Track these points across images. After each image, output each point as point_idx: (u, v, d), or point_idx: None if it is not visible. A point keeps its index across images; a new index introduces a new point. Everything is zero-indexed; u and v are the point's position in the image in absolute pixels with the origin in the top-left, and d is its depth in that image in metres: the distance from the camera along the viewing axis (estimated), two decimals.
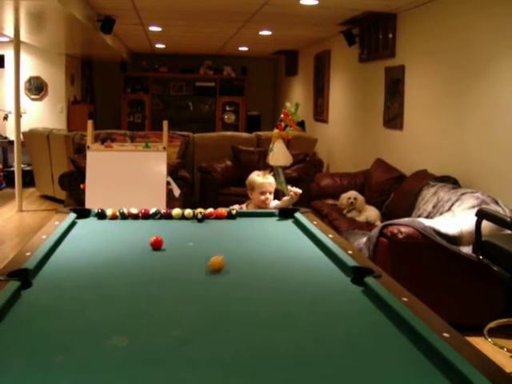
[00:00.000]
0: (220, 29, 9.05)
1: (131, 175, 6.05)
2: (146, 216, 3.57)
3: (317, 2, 6.33)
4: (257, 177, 4.34)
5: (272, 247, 3.05)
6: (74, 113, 11.62)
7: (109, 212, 3.54)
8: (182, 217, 3.58)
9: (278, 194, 6.87)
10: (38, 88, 11.36)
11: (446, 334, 1.80)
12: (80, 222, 3.44)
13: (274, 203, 4.31)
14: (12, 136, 9.93)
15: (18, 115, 8.73)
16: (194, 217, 3.57)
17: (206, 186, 8.16)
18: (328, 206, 6.61)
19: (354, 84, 8.52)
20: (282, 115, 6.49)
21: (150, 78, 14.01)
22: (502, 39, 4.77)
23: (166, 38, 10.54)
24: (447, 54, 5.69)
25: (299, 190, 4.13)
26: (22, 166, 9.16)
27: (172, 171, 7.06)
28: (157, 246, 2.89)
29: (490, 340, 4.03)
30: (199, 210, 3.60)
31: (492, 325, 4.14)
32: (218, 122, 14.18)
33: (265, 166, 7.16)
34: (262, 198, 4.25)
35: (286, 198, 4.20)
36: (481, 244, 3.98)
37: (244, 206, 4.35)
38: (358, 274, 2.41)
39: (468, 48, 5.29)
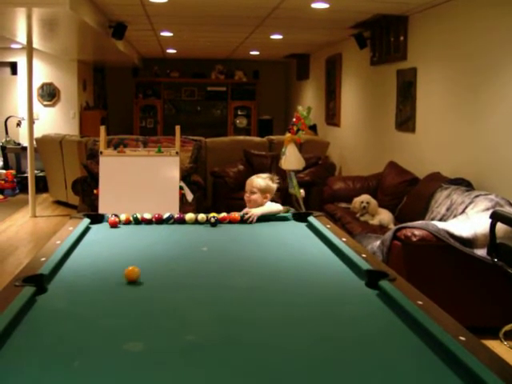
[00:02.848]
0: (231, 33, 9.07)
1: (144, 180, 6.06)
2: (159, 221, 3.58)
3: (328, 6, 6.33)
4: (253, 176, 4.26)
5: (286, 251, 3.05)
6: (86, 118, 11.67)
7: (122, 217, 3.55)
8: (196, 221, 3.58)
9: (290, 197, 6.88)
10: (50, 94, 11.42)
11: (461, 338, 1.79)
12: (94, 227, 3.46)
13: (258, 210, 3.89)
14: (25, 142, 9.99)
15: (31, 121, 8.77)
16: (208, 221, 3.57)
17: (218, 190, 8.16)
18: (341, 209, 6.60)
19: (366, 87, 8.51)
20: (294, 119, 6.52)
21: (161, 84, 14.04)
22: None
23: (177, 43, 10.57)
24: (459, 56, 5.67)
25: (254, 215, 3.75)
26: (36, 171, 9.21)
27: (185, 176, 7.07)
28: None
29: (505, 343, 4.00)
30: (212, 214, 3.60)
31: (508, 328, 4.11)
32: (230, 126, 14.19)
33: (277, 170, 7.20)
34: (244, 196, 4.17)
35: (266, 209, 3.87)
36: (495, 246, 3.95)
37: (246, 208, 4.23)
38: (372, 278, 2.40)
39: (480, 49, 5.27)
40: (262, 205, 4.04)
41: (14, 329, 1.87)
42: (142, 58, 13.25)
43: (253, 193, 4.08)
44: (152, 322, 2.02)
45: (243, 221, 3.65)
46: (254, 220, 3.68)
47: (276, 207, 3.89)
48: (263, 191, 4.08)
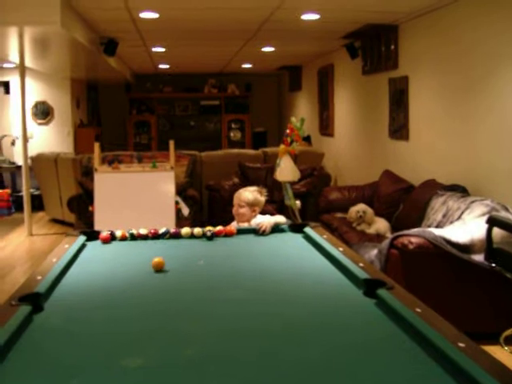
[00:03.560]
0: (223, 47, 9.10)
1: (139, 196, 6.06)
2: (155, 236, 3.57)
3: (318, 17, 6.36)
4: (240, 189, 4.25)
5: (283, 262, 3.04)
6: (80, 136, 11.66)
7: (118, 233, 3.54)
8: (192, 235, 3.58)
9: (286, 209, 6.88)
10: (44, 112, 11.42)
11: (461, 344, 1.78)
12: (90, 244, 3.45)
13: (256, 220, 4.01)
14: (20, 161, 9.97)
15: (25, 140, 8.77)
16: (204, 235, 3.56)
17: (214, 203, 8.15)
18: (337, 219, 6.60)
19: (358, 96, 8.53)
20: (288, 130, 6.53)
21: (154, 99, 14.06)
22: (504, 46, 4.77)
23: (169, 58, 10.59)
24: (450, 63, 5.69)
25: (266, 227, 3.70)
26: (31, 190, 9.20)
27: (180, 191, 7.06)
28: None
29: (506, 348, 3.99)
30: (208, 228, 3.60)
31: (508, 332, 4.10)
32: (224, 139, 14.21)
33: (273, 182, 7.20)
34: (233, 210, 4.18)
35: (269, 221, 3.78)
36: (492, 251, 3.95)
37: (234, 222, 4.21)
38: (370, 287, 2.40)
39: (470, 56, 5.30)
40: (250, 218, 4.05)
41: (10, 348, 1.86)
42: (135, 73, 13.27)
43: (241, 206, 4.09)
44: (150, 337, 2.01)
45: (259, 234, 3.65)
46: (268, 231, 3.67)
47: (281, 219, 3.90)
48: (251, 205, 4.09)
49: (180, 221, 6.20)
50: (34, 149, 9.96)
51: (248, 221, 4.07)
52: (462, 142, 5.52)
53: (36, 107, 11.39)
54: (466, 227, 4.35)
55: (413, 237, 4.26)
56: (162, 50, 9.19)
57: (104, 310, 2.30)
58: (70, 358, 1.83)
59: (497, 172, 4.97)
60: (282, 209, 7.12)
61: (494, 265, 3.94)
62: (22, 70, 8.70)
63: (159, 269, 2.85)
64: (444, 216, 4.96)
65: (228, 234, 3.62)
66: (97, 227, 5.42)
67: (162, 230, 3.59)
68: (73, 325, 2.14)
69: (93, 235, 3.57)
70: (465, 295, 4.26)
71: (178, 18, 6.55)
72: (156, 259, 2.87)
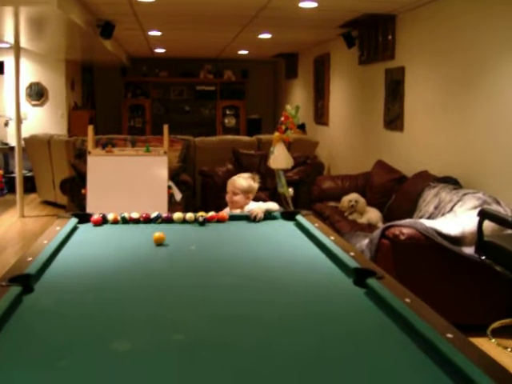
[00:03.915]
0: (220, 33, 9.06)
1: (132, 180, 6.05)
2: (147, 220, 3.57)
3: (316, 5, 6.34)
4: (234, 176, 4.25)
5: (274, 250, 3.05)
6: (74, 118, 11.61)
7: (110, 216, 3.54)
8: (184, 221, 3.58)
9: (279, 196, 6.88)
10: (38, 94, 11.35)
11: (449, 335, 1.79)
12: (81, 226, 3.44)
13: (249, 207, 4.04)
14: (13, 142, 9.92)
15: (19, 121, 8.73)
16: (196, 220, 3.56)
17: (207, 189, 8.15)
18: (330, 208, 6.61)
19: (354, 86, 8.52)
20: (283, 118, 6.52)
21: (150, 83, 14.00)
22: (502, 39, 4.77)
23: (165, 42, 10.54)
24: (447, 55, 5.69)
25: (258, 214, 3.69)
26: (24, 171, 9.16)
27: (173, 175, 7.06)
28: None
29: (493, 340, 4.02)
30: (201, 213, 3.60)
31: (495, 325, 4.13)
32: (219, 125, 14.18)
33: (266, 169, 7.19)
34: (227, 197, 4.18)
35: (260, 207, 3.80)
36: (483, 244, 3.97)
37: (227, 208, 4.21)
38: (360, 276, 2.41)
39: (468, 48, 5.29)
40: (244, 205, 4.06)
41: None
42: (131, 57, 13.21)
43: (235, 194, 4.09)
44: (140, 321, 2.01)
45: (251, 220, 3.65)
46: (262, 217, 3.67)
47: (274, 206, 3.90)
48: (246, 192, 4.10)
49: (172, 205, 6.20)
50: (27, 130, 9.91)
51: (242, 208, 4.07)
52: (455, 134, 5.53)
53: (30, 88, 11.33)
54: (458, 219, 4.37)
55: (404, 227, 4.27)
56: (159, 33, 9.14)
57: (94, 293, 2.30)
58: (60, 340, 1.83)
59: (489, 165, 4.99)
60: (274, 196, 7.11)
61: (484, 257, 3.96)
62: (17, 50, 8.65)
63: (160, 243, 3.03)
64: (436, 208, 4.97)
65: (220, 220, 3.62)
66: (89, 210, 5.41)
67: (153, 215, 3.58)
68: (63, 307, 2.15)
69: (84, 218, 3.57)
70: (454, 287, 4.28)
71: (175, 2, 6.51)
72: (157, 234, 3.04)
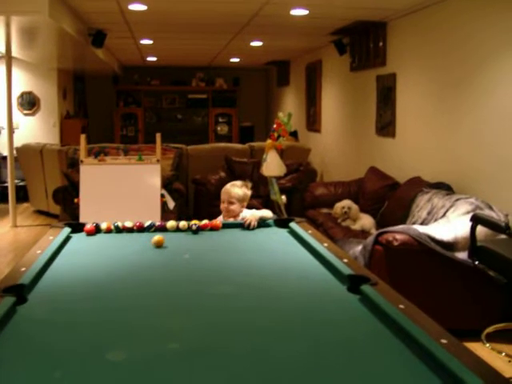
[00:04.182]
0: (211, 40, 9.07)
1: (125, 188, 6.04)
2: (140, 229, 3.56)
3: (307, 12, 6.36)
4: (227, 184, 4.24)
5: (268, 257, 3.04)
6: (66, 127, 11.60)
7: (103, 226, 3.53)
8: (177, 229, 3.57)
9: (272, 204, 6.89)
10: (30, 103, 11.33)
11: (443, 340, 1.80)
12: (75, 236, 3.44)
13: (243, 214, 4.06)
14: (5, 151, 9.91)
15: (11, 131, 8.72)
16: (189, 229, 3.56)
17: (200, 197, 8.14)
18: (323, 215, 6.62)
19: (346, 93, 8.54)
20: (275, 125, 6.52)
21: (142, 92, 14.01)
22: (491, 46, 4.80)
23: (157, 50, 10.55)
24: (438, 62, 5.72)
25: (252, 221, 3.70)
26: (16, 181, 9.14)
27: (166, 184, 7.05)
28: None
29: (487, 345, 4.03)
30: (194, 221, 3.60)
31: (489, 330, 4.14)
32: (211, 133, 14.19)
33: (259, 177, 7.20)
34: (222, 206, 4.18)
35: (254, 215, 3.81)
36: (476, 249, 3.98)
37: (220, 217, 4.21)
38: (354, 283, 2.41)
39: (458, 54, 5.32)
40: (239, 213, 4.06)
41: None
42: (123, 65, 13.21)
43: (231, 203, 4.09)
44: (134, 331, 2.01)
45: (245, 228, 3.65)
46: (255, 225, 3.68)
47: (268, 213, 3.91)
48: (241, 200, 4.11)
49: (165, 214, 6.19)
50: (19, 139, 9.89)
51: (237, 216, 4.07)
52: (447, 140, 5.55)
53: (22, 97, 11.30)
54: (451, 225, 4.38)
55: (397, 233, 4.28)
56: (150, 42, 9.16)
57: (89, 303, 2.30)
58: (54, 350, 1.83)
59: (481, 170, 5.01)
60: (267, 204, 7.12)
61: (477, 263, 3.97)
62: (9, 59, 8.64)
63: (159, 245, 3.18)
64: (429, 213, 4.98)
65: (213, 228, 3.62)
66: (82, 219, 5.40)
67: (147, 223, 3.58)
68: (57, 316, 2.14)
69: (78, 227, 3.56)
70: (448, 292, 4.29)
71: (167, 11, 6.52)
72: (156, 237, 3.20)
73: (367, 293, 2.26)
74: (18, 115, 11.01)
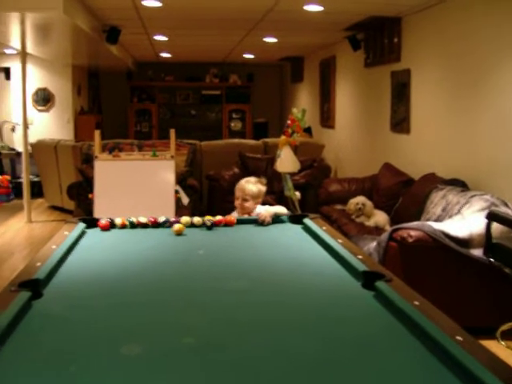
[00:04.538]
0: (225, 36, 9.07)
1: (139, 184, 6.05)
2: (155, 225, 3.57)
3: (322, 8, 6.34)
4: (241, 181, 4.23)
5: (282, 253, 3.05)
6: (81, 123, 11.65)
7: (118, 221, 3.54)
8: (191, 225, 3.58)
9: (286, 200, 6.88)
10: (45, 99, 11.40)
11: (458, 337, 1.79)
12: (89, 231, 3.45)
13: (257, 210, 4.06)
14: (20, 147, 9.97)
15: (26, 127, 8.76)
16: (203, 224, 3.56)
17: (214, 193, 8.15)
18: (337, 211, 6.60)
19: (360, 89, 8.52)
20: (289, 121, 6.52)
21: (156, 87, 14.03)
22: (509, 40, 4.76)
23: (171, 46, 10.57)
24: (453, 57, 5.68)
25: (266, 218, 3.70)
26: (31, 176, 9.19)
27: (180, 180, 7.06)
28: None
29: (503, 343, 4.01)
30: (208, 217, 3.60)
31: (505, 327, 4.11)
32: (225, 129, 14.19)
33: (273, 173, 7.19)
34: (236, 203, 4.18)
35: (268, 211, 3.80)
36: (491, 246, 3.96)
37: (234, 212, 4.20)
38: (368, 279, 2.40)
39: (474, 50, 5.28)
40: (253, 210, 4.05)
41: (9, 334, 1.86)
42: (137, 62, 13.24)
43: (245, 200, 4.08)
44: (149, 326, 2.01)
45: (259, 224, 3.66)
46: (270, 222, 3.68)
47: (282, 209, 3.90)
48: (256, 197, 4.10)
49: (179, 210, 6.20)
50: (34, 135, 9.96)
51: (251, 213, 4.07)
52: (462, 136, 5.52)
53: (37, 94, 11.38)
54: (466, 222, 4.35)
55: (412, 230, 4.27)
56: (164, 38, 9.17)
57: (103, 298, 2.31)
58: (69, 345, 1.83)
59: (497, 167, 4.97)
60: (281, 200, 7.12)
61: (492, 260, 3.95)
62: (24, 56, 8.69)
63: (179, 233, 3.37)
64: (443, 210, 4.96)
65: (228, 224, 3.62)
66: (96, 215, 5.42)
67: (161, 219, 3.59)
68: (72, 312, 2.15)
69: (92, 223, 3.57)
70: (462, 289, 4.27)
71: (181, 7, 6.53)
72: (177, 225, 3.39)
73: (382, 289, 2.25)
74: (32, 111, 11.08)
